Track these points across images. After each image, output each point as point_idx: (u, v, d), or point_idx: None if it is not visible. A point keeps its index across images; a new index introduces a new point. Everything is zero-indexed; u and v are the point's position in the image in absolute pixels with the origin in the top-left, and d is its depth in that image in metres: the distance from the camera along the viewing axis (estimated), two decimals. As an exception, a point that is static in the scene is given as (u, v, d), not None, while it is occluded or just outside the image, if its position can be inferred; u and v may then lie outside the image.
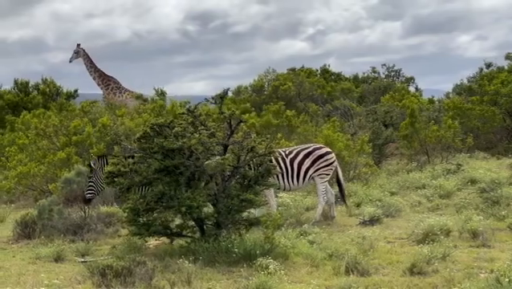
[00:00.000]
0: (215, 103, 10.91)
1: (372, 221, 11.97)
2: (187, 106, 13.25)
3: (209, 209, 9.84)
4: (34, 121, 18.20)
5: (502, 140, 23.73)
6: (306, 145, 13.34)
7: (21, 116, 20.99)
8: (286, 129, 19.81)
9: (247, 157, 10.11)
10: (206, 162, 9.70)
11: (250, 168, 10.39)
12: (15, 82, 28.43)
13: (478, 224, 10.56)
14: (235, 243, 9.26)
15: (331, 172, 12.92)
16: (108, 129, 16.61)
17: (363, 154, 17.48)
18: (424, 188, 15.21)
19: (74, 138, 16.29)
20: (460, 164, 18.00)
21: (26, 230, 11.28)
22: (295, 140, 17.29)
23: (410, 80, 36.44)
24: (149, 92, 26.03)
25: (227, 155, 10.03)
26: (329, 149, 13.25)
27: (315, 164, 12.71)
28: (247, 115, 20.50)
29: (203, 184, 9.86)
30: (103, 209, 12.25)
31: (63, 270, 9.01)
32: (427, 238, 10.03)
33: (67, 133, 16.66)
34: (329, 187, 12.91)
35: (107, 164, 11.77)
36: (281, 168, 12.42)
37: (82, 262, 9.46)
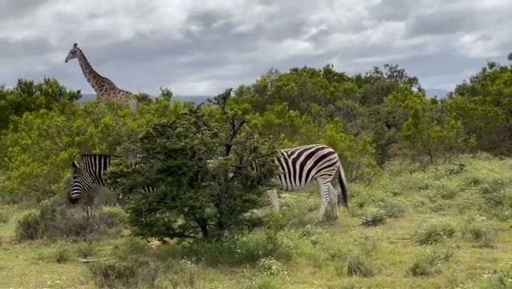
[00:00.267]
0: (218, 103, 10.90)
1: (375, 221, 11.96)
2: (190, 106, 13.24)
3: (211, 209, 9.82)
4: (37, 122, 18.24)
5: (505, 141, 23.70)
6: (309, 146, 13.32)
7: (24, 117, 21.02)
8: (289, 129, 19.80)
9: (250, 158, 10.11)
10: (209, 162, 9.69)
11: (253, 169, 10.39)
12: (19, 82, 28.52)
13: (481, 224, 10.53)
14: (238, 244, 9.26)
15: (333, 173, 12.91)
16: (111, 130, 16.62)
17: (365, 154, 17.48)
18: (427, 188, 15.19)
19: (76, 138, 16.31)
20: (463, 165, 17.96)
21: (29, 231, 11.29)
22: (298, 141, 17.28)
23: (413, 80, 36.46)
24: (154, 93, 26.06)
25: (230, 155, 10.02)
26: (331, 150, 13.23)
27: (318, 165, 12.69)
28: (250, 115, 20.49)
29: (206, 184, 9.85)
30: (106, 209, 12.26)
31: (66, 271, 9.01)
32: (430, 238, 10.02)
33: (70, 134, 16.68)
34: (331, 187, 12.89)
35: (93, 163, 11.81)
36: (283, 168, 12.41)
37: (84, 262, 9.46)
